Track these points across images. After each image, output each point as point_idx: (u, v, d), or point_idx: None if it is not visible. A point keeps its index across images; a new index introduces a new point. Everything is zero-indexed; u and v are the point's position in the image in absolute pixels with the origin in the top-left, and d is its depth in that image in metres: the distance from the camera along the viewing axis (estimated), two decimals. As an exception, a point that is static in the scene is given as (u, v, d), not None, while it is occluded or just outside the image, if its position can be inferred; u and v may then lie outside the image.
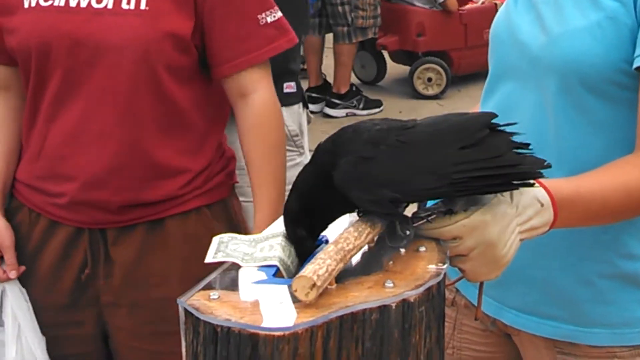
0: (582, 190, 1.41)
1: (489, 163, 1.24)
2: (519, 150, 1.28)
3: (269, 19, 2.05)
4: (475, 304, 1.73)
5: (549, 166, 1.28)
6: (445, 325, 1.80)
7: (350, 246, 1.19)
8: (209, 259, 1.22)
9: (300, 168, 2.28)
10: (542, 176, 1.29)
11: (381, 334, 1.13)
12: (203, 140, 2.07)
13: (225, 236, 1.29)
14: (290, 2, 2.37)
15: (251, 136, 2.06)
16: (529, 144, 1.28)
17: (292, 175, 2.37)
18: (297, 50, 2.53)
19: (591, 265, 1.60)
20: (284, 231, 1.28)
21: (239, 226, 2.14)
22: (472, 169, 1.23)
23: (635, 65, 1.48)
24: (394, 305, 1.14)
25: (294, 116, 2.50)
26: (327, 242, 1.28)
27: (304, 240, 1.28)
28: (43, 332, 2.09)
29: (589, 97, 1.53)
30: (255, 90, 2.05)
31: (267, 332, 1.08)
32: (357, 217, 1.28)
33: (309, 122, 2.67)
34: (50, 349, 2.09)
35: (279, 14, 2.07)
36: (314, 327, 1.09)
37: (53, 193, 2.01)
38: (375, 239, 1.29)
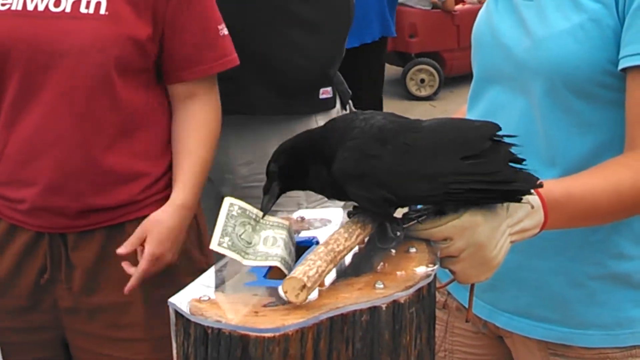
0: (572, 192, 1.41)
1: (487, 177, 1.25)
2: (515, 165, 1.29)
3: (224, 32, 2.08)
4: (467, 307, 1.73)
5: (540, 185, 1.29)
6: (437, 328, 1.81)
7: (341, 247, 1.19)
8: (214, 245, 1.19)
9: None
10: (532, 194, 1.31)
11: (372, 335, 1.13)
12: (164, 144, 2.07)
13: (236, 204, 1.26)
14: (335, 10, 2.41)
15: (194, 129, 2.06)
16: (523, 160, 1.29)
17: None
18: (337, 53, 2.49)
19: (582, 267, 1.60)
20: (289, 226, 1.29)
21: (200, 232, 2.15)
22: (470, 181, 1.24)
23: (620, 67, 1.48)
24: (384, 306, 1.14)
25: None
26: (317, 243, 1.28)
27: (273, 179, 1.34)
28: (0, 338, 2.08)
29: (575, 99, 1.53)
30: (205, 93, 2.08)
31: (258, 334, 1.08)
32: (348, 218, 1.28)
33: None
34: (8, 354, 2.08)
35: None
36: (304, 328, 1.09)
37: (14, 199, 2.01)
38: (366, 240, 1.29)
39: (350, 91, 2.62)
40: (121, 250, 1.95)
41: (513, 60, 1.60)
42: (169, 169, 2.08)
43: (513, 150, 1.29)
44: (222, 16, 2.17)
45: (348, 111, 2.60)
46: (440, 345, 1.84)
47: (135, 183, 2.03)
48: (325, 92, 2.43)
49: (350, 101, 2.62)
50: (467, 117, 1.75)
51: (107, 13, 1.92)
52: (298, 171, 1.31)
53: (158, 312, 2.02)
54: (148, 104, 2.03)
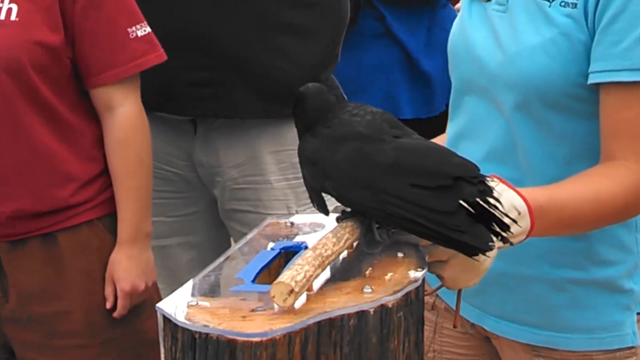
0: (555, 199, 1.42)
1: (432, 215, 1.21)
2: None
3: (139, 33, 2.06)
4: (455, 308, 1.74)
5: (490, 249, 1.24)
6: (426, 328, 1.80)
7: (329, 252, 1.19)
8: None
9: None
10: (476, 254, 1.25)
11: (359, 339, 1.13)
12: (93, 148, 2.08)
13: None
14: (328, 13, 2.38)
15: (115, 151, 2.07)
16: (495, 208, 1.25)
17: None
18: (329, 57, 2.43)
19: (564, 273, 1.61)
20: None
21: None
22: (410, 212, 1.22)
23: (591, 81, 1.49)
24: (372, 310, 1.14)
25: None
26: (306, 248, 1.28)
27: None
28: None
29: (548, 112, 1.54)
30: (122, 104, 2.06)
31: (245, 339, 1.08)
32: (336, 223, 1.29)
33: None
34: None
35: (148, 29, 2.08)
36: (291, 333, 1.09)
37: None
38: (355, 244, 1.29)
39: (345, 96, 2.61)
40: (108, 305, 2.05)
41: (486, 73, 1.60)
42: (101, 174, 2.08)
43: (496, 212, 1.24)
44: (209, 21, 2.21)
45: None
46: (429, 345, 1.84)
47: (65, 187, 2.03)
48: None
49: None
50: (449, 127, 1.75)
51: (17, 19, 1.93)
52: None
53: (99, 317, 2.07)
54: (73, 108, 2.04)
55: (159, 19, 2.25)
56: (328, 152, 1.27)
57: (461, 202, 1.21)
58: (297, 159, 2.22)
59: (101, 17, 2.02)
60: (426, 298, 1.78)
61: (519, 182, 1.53)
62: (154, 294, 2.16)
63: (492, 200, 1.24)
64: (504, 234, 1.25)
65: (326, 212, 1.33)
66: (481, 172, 1.27)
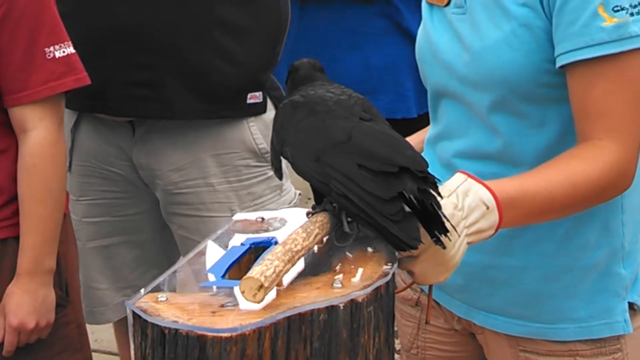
0: (527, 188, 1.42)
1: (368, 197, 1.21)
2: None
3: (57, 54, 1.99)
4: (441, 304, 1.74)
5: (414, 246, 1.22)
6: (410, 325, 1.82)
7: (299, 247, 1.19)
8: None
9: (270, 182, 2.35)
10: (402, 249, 1.24)
11: (329, 334, 1.14)
12: (10, 170, 2.01)
13: None
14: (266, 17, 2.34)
15: (22, 177, 1.99)
16: (435, 208, 1.24)
17: (262, 189, 2.36)
18: (269, 57, 2.37)
19: (551, 261, 1.61)
20: None
21: (62, 281, 2.12)
22: (349, 190, 1.22)
23: (557, 65, 1.50)
24: (342, 305, 1.14)
25: (266, 129, 2.37)
26: (276, 243, 1.28)
27: None
28: None
29: (523, 104, 1.55)
30: (36, 127, 1.98)
31: (215, 334, 1.08)
32: (307, 218, 1.29)
33: None
34: None
35: (71, 49, 2.02)
36: (261, 328, 1.09)
37: None
38: (325, 240, 1.29)
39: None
40: None
41: (455, 76, 1.61)
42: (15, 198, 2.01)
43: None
44: (148, 18, 2.18)
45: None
46: (413, 342, 1.85)
47: None
48: (254, 97, 2.34)
49: None
50: (430, 130, 1.75)
51: None
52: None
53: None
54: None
55: (95, 16, 2.25)
56: (294, 119, 1.32)
57: (404, 194, 1.21)
58: (239, 162, 2.29)
59: (18, 34, 1.94)
60: (409, 294, 1.79)
61: (500, 176, 1.53)
62: (63, 333, 2.08)
63: (433, 200, 1.24)
64: (439, 235, 1.24)
65: (280, 177, 1.40)
66: (432, 173, 1.27)
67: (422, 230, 1.24)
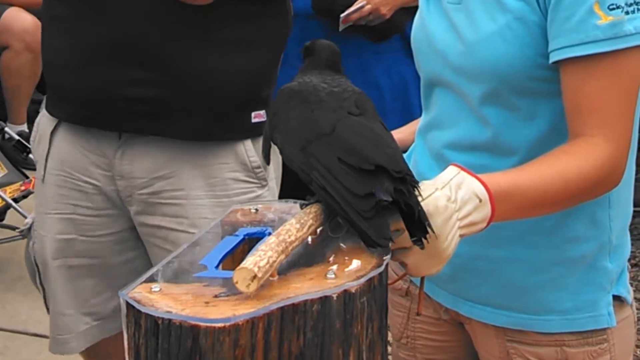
0: (519, 182, 1.43)
1: (343, 192, 1.22)
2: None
3: None
4: (430, 295, 1.75)
5: (383, 245, 1.22)
6: (400, 315, 1.83)
7: (292, 238, 1.20)
8: None
9: (258, 201, 2.12)
10: (371, 246, 1.24)
11: (323, 324, 1.14)
12: None
13: None
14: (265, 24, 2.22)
15: None
16: (410, 209, 1.24)
17: None
18: (271, 74, 2.24)
19: (539, 253, 1.62)
20: None
21: None
22: (328, 183, 1.24)
23: (551, 60, 1.50)
24: (335, 296, 1.15)
25: (257, 143, 2.23)
26: (269, 234, 1.28)
27: None
28: None
29: (515, 96, 1.56)
30: None
31: (208, 324, 1.08)
32: (300, 210, 1.29)
33: None
34: None
35: None
36: (254, 318, 1.10)
37: None
38: (318, 231, 1.29)
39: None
40: None
41: (449, 65, 1.62)
42: None
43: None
44: (145, 32, 2.05)
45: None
46: (402, 332, 1.85)
47: None
48: (258, 116, 2.20)
49: None
50: (421, 120, 1.76)
51: None
52: None
53: None
54: None
55: (93, 23, 2.12)
56: (286, 107, 1.33)
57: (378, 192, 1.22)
58: (228, 174, 2.18)
59: None
60: (399, 284, 1.80)
61: (490, 168, 1.54)
62: None
63: (411, 201, 1.24)
64: (417, 236, 1.25)
65: (267, 162, 1.41)
66: (408, 173, 1.27)
67: None
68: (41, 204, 2.30)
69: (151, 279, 1.19)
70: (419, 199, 1.27)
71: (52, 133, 2.26)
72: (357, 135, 1.27)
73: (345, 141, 1.26)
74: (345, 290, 1.15)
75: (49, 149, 2.27)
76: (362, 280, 1.17)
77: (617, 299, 1.66)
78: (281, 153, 1.32)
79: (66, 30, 2.10)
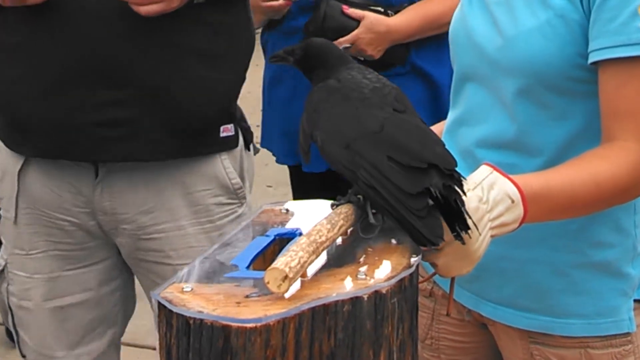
0: (551, 185, 1.43)
1: (394, 191, 1.22)
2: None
3: None
4: (453, 296, 1.74)
5: (436, 243, 1.22)
6: (423, 315, 1.83)
7: (323, 238, 1.20)
8: None
9: (241, 220, 2.12)
10: (424, 245, 1.24)
11: (353, 325, 1.14)
12: None
13: None
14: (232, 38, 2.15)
15: None
16: (458, 205, 1.24)
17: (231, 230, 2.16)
18: (238, 87, 2.18)
19: (563, 256, 1.62)
20: None
21: None
22: (376, 181, 1.22)
23: (590, 61, 1.50)
24: (366, 296, 1.14)
25: (236, 163, 2.18)
26: (300, 234, 1.29)
27: None
28: None
29: (549, 94, 1.55)
30: None
31: (239, 324, 1.08)
32: (331, 210, 1.29)
33: (256, 152, 2.33)
34: None
35: None
36: (285, 318, 1.10)
37: None
38: (349, 231, 1.29)
39: (252, 131, 2.30)
40: None
41: (486, 59, 1.61)
42: None
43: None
44: (111, 50, 1.96)
45: (252, 150, 2.28)
46: (426, 332, 1.85)
47: None
48: (226, 130, 2.13)
49: (253, 140, 2.30)
50: (449, 115, 1.76)
51: None
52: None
53: None
54: None
55: (53, 46, 1.99)
56: (327, 104, 1.31)
57: (430, 190, 1.22)
58: (211, 200, 2.14)
59: None
60: (423, 285, 1.80)
61: (517, 167, 1.54)
62: None
63: (458, 197, 1.24)
64: (460, 232, 1.25)
65: (307, 159, 1.36)
66: (458, 171, 1.27)
67: (445, 225, 1.25)
68: (16, 245, 2.19)
69: (183, 279, 1.19)
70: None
71: (20, 172, 2.13)
72: (405, 133, 1.27)
73: (395, 139, 1.25)
74: (376, 291, 1.15)
75: (18, 188, 2.14)
76: (393, 281, 1.17)
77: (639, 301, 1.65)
78: (321, 151, 1.30)
79: (21, 58, 1.99)
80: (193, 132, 2.08)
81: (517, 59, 1.55)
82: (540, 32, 1.53)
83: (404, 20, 2.66)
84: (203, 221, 2.14)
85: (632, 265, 1.64)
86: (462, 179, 1.27)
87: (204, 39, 2.06)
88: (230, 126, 2.15)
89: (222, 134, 2.13)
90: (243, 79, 2.19)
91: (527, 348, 1.67)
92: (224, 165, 2.15)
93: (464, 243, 1.27)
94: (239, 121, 2.20)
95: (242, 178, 2.20)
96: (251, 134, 2.27)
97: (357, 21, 2.63)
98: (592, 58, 1.49)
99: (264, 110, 3.00)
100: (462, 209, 1.24)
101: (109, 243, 2.18)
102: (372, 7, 2.67)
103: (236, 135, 2.17)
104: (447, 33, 1.91)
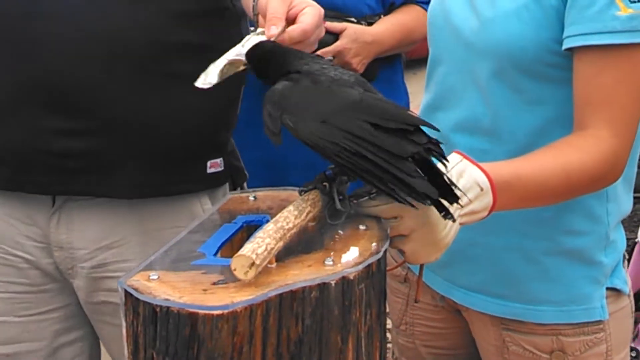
0: (521, 172, 1.42)
1: (384, 155, 1.21)
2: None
3: None
4: (425, 281, 1.75)
5: (436, 197, 1.22)
6: (398, 301, 1.83)
7: (290, 225, 1.20)
8: None
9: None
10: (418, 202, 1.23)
11: (321, 311, 1.14)
12: None
13: None
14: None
15: None
16: (441, 174, 1.25)
17: None
18: (229, 114, 1.92)
19: (534, 243, 1.62)
20: None
21: None
22: (364, 149, 1.21)
23: (565, 47, 1.50)
24: (333, 282, 1.14)
25: (214, 199, 1.93)
26: (267, 221, 1.28)
27: None
28: None
29: (523, 79, 1.55)
30: None
31: (206, 311, 1.08)
32: (298, 196, 1.29)
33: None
34: None
35: None
36: (252, 305, 1.09)
37: None
38: (317, 217, 1.29)
39: (247, 174, 2.03)
40: None
41: (462, 41, 1.61)
42: None
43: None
44: (77, 71, 1.70)
45: (239, 192, 1.77)
46: (401, 318, 1.86)
47: None
48: (214, 165, 1.87)
49: (245, 182, 2.03)
50: (424, 97, 1.76)
51: None
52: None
53: None
54: None
55: (8, 67, 1.76)
56: (296, 89, 1.29)
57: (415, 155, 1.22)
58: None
59: None
60: (398, 271, 1.80)
61: (489, 152, 1.54)
62: None
63: (440, 166, 1.26)
64: (449, 203, 1.25)
65: (279, 140, 1.29)
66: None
67: (411, 210, 1.25)
68: None
69: (149, 267, 1.19)
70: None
71: None
72: (384, 102, 1.27)
73: (377, 107, 1.25)
74: (343, 277, 1.15)
75: None
76: (361, 267, 1.17)
77: (613, 290, 1.66)
78: (294, 131, 1.26)
79: None
80: (173, 167, 1.82)
81: (493, 41, 1.55)
82: (516, 16, 1.53)
83: (384, 30, 2.50)
84: None
85: (605, 254, 1.64)
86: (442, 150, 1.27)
87: (185, 57, 1.77)
88: (219, 160, 1.90)
89: (209, 170, 1.89)
90: (236, 106, 1.96)
91: (500, 334, 1.68)
92: (201, 201, 1.90)
93: (454, 221, 1.27)
94: (230, 156, 1.95)
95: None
96: (244, 175, 2.02)
97: (335, 35, 2.45)
98: (567, 44, 1.49)
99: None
100: (446, 177, 1.24)
101: (68, 287, 1.92)
102: (347, 18, 2.57)
103: (226, 172, 1.92)
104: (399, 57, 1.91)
